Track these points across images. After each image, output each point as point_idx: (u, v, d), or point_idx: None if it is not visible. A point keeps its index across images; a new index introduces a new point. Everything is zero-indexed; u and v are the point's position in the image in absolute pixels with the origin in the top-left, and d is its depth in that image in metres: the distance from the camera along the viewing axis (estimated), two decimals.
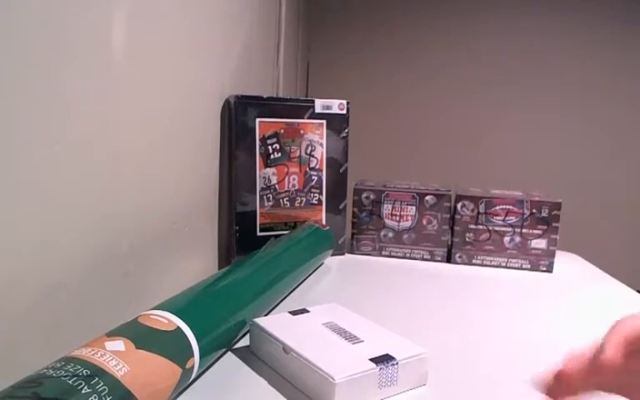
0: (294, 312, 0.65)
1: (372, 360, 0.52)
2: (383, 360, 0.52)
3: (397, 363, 0.52)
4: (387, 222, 1.08)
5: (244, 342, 0.63)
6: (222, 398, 0.51)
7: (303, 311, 0.66)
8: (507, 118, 2.53)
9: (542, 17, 2.46)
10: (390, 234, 1.09)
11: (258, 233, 0.98)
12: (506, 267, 1.06)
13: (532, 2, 2.46)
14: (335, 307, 0.68)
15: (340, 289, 0.88)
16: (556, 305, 0.88)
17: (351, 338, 0.57)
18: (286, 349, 0.55)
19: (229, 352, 0.61)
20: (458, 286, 0.95)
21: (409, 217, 1.08)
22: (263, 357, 0.59)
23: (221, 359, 0.59)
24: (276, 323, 0.61)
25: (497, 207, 1.05)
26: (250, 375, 0.56)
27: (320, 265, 0.98)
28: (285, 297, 0.79)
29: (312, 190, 1.02)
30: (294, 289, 0.84)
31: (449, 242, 1.08)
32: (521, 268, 1.05)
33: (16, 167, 0.42)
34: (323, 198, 1.04)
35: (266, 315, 0.69)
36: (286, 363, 0.55)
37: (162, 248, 0.72)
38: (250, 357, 0.60)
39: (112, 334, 0.44)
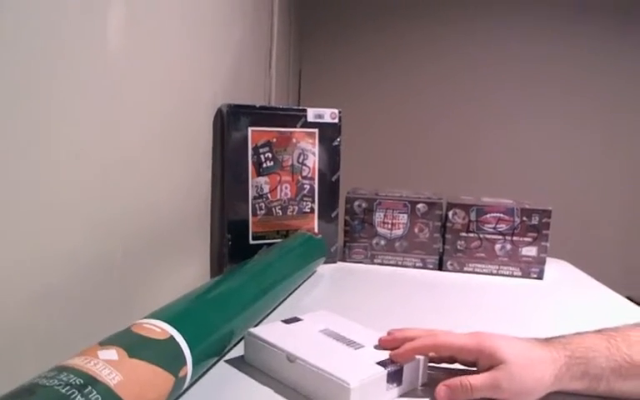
0: (287, 321, 0.65)
1: (378, 363, 0.54)
2: (389, 363, 0.54)
3: (402, 366, 0.54)
4: (379, 230, 1.09)
5: (237, 351, 0.63)
6: None
7: (296, 319, 0.66)
8: (497, 127, 2.55)
9: (534, 25, 2.49)
10: (382, 242, 1.09)
11: (251, 242, 0.98)
12: (497, 274, 1.07)
13: (524, 10, 2.49)
14: (325, 314, 0.69)
15: (332, 297, 0.89)
16: (546, 312, 0.88)
17: (351, 344, 0.58)
18: (290, 357, 0.55)
19: (222, 362, 0.61)
20: (450, 293, 0.95)
21: (401, 225, 1.08)
22: (261, 367, 0.59)
23: (215, 369, 0.59)
24: (273, 332, 0.61)
25: (488, 215, 1.06)
26: (245, 384, 0.56)
27: (312, 273, 0.98)
28: (278, 306, 0.79)
29: (305, 198, 1.03)
30: (287, 297, 0.84)
31: (441, 250, 1.09)
32: (512, 275, 1.06)
33: (8, 173, 0.42)
34: (315, 207, 1.04)
35: (257, 324, 0.69)
36: (290, 372, 0.55)
37: (154, 257, 0.72)
38: (244, 366, 0.60)
39: (105, 343, 0.44)
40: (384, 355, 0.56)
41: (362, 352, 0.57)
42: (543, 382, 0.52)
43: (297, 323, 0.65)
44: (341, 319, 0.66)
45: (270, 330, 0.62)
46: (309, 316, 0.67)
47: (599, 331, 0.56)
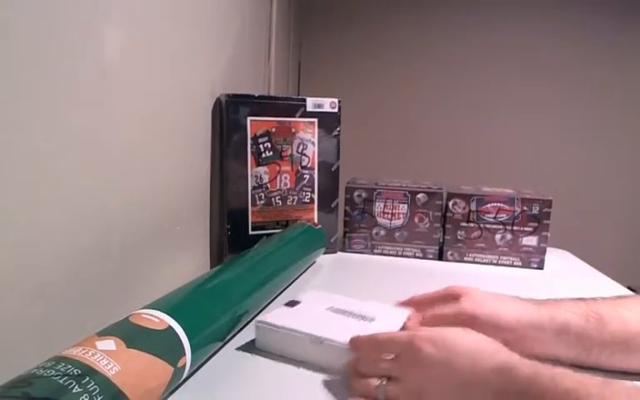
0: (289, 304, 0.66)
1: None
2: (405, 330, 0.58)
3: None
4: (379, 220, 1.09)
5: (238, 340, 0.63)
6: (228, 394, 0.51)
7: (295, 302, 0.66)
8: (498, 117, 2.54)
9: (535, 15, 2.47)
10: (382, 232, 1.09)
11: (250, 232, 0.97)
12: (497, 264, 1.06)
13: (523, 0, 2.47)
14: (318, 293, 0.70)
15: (332, 287, 0.88)
16: None
17: (364, 318, 0.61)
18: (318, 339, 0.56)
19: (225, 349, 0.60)
20: (450, 283, 0.95)
21: (401, 215, 1.08)
22: (279, 352, 0.59)
23: (220, 356, 0.59)
24: (285, 317, 0.61)
25: (489, 205, 1.05)
26: (256, 370, 0.57)
27: (312, 263, 0.98)
28: (277, 296, 0.79)
29: (304, 189, 1.02)
30: (286, 288, 0.84)
31: (441, 240, 1.09)
32: (512, 265, 1.06)
33: (4, 167, 0.42)
34: (315, 197, 1.04)
35: (257, 314, 0.69)
36: (318, 353, 0.56)
37: (153, 247, 0.71)
38: (253, 352, 0.60)
39: (103, 333, 0.44)
40: (397, 324, 0.59)
41: (377, 324, 0.59)
42: (506, 312, 0.59)
43: (299, 306, 0.65)
44: (335, 296, 0.68)
45: (280, 315, 0.62)
46: (305, 297, 0.68)
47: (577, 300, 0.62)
